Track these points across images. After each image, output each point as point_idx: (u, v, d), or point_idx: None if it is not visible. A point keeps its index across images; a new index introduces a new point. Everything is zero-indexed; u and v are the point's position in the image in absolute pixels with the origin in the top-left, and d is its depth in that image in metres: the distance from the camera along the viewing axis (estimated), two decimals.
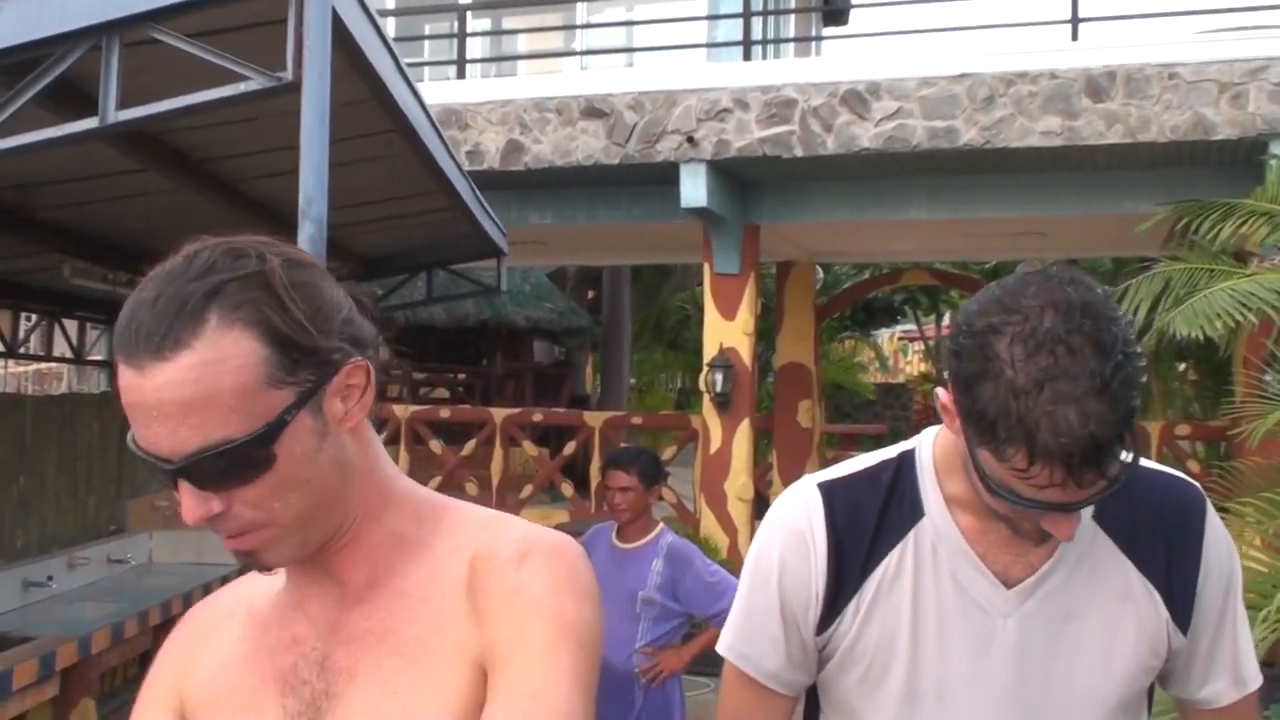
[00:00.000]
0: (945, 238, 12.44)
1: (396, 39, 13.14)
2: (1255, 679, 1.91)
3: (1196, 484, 1.90)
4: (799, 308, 13.59)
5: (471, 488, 12.45)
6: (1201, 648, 1.86)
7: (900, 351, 38.60)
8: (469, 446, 12.81)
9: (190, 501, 1.35)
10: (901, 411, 28.27)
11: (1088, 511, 1.78)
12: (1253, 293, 6.28)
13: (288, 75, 3.77)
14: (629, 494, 5.21)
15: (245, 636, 1.59)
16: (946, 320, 33.05)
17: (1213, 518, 1.86)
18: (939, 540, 1.83)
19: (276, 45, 3.79)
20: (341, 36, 4.03)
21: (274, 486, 1.38)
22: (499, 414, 13.08)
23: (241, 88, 3.81)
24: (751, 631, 1.93)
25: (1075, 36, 10.25)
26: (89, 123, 3.90)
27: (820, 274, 17.47)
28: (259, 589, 1.61)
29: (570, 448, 12.85)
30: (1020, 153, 9.36)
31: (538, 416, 13.58)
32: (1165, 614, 1.81)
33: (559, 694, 1.37)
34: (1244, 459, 6.60)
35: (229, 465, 1.33)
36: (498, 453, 12.74)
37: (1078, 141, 9.02)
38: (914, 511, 1.85)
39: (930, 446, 1.89)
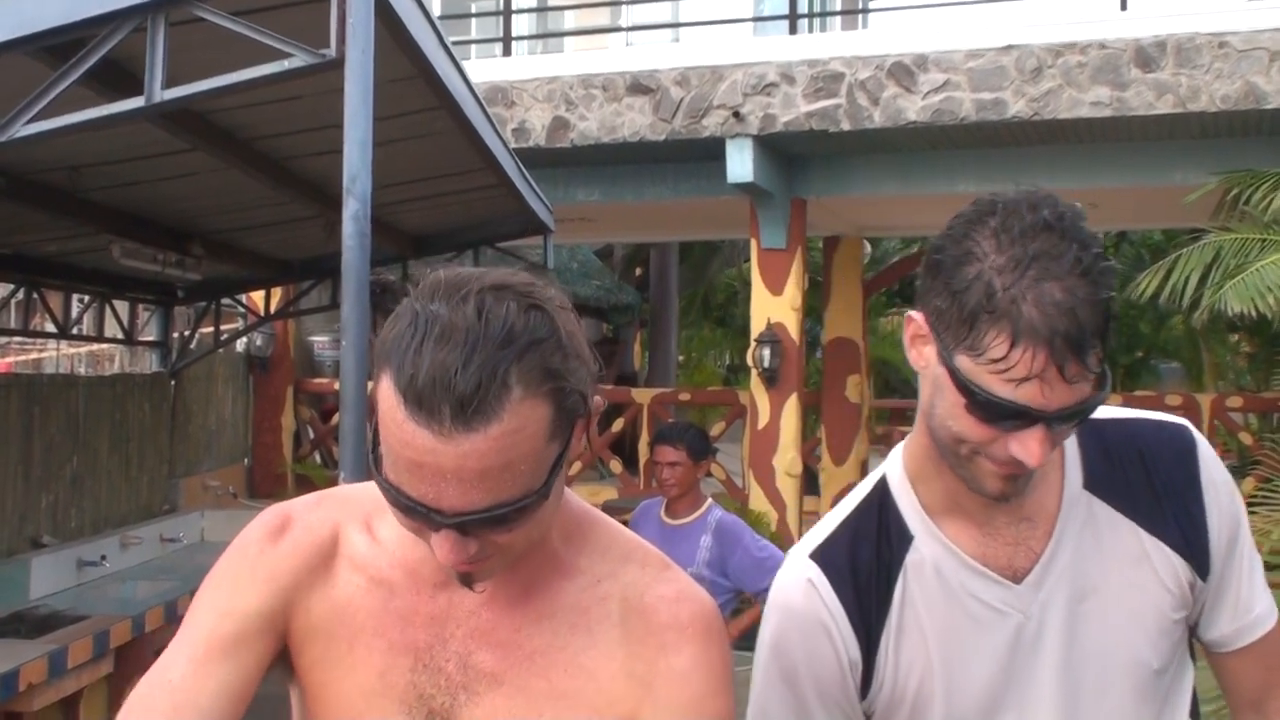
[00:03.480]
0: None
1: (443, 17, 13.16)
2: (1270, 614, 1.81)
3: (1182, 423, 1.82)
4: (847, 283, 13.50)
5: None
6: (1215, 590, 1.79)
7: None
8: None
9: (454, 548, 1.35)
10: None
11: (1077, 476, 1.75)
12: None
13: (331, 52, 3.77)
14: (677, 469, 5.20)
15: (370, 590, 1.55)
16: None
17: (1206, 454, 1.78)
18: (934, 559, 1.77)
19: (321, 22, 3.79)
20: (385, 13, 4.03)
21: (533, 526, 1.40)
22: None
23: (285, 65, 3.82)
24: None
25: (1124, 6, 10.12)
26: (135, 102, 3.92)
27: (868, 248, 17.38)
28: (360, 543, 1.57)
29: (619, 424, 12.85)
30: (1069, 124, 9.26)
31: None
32: (1184, 566, 1.74)
33: None
34: None
35: (504, 518, 1.35)
36: None
37: (1127, 112, 8.92)
38: (902, 539, 1.79)
39: (900, 461, 1.85)
